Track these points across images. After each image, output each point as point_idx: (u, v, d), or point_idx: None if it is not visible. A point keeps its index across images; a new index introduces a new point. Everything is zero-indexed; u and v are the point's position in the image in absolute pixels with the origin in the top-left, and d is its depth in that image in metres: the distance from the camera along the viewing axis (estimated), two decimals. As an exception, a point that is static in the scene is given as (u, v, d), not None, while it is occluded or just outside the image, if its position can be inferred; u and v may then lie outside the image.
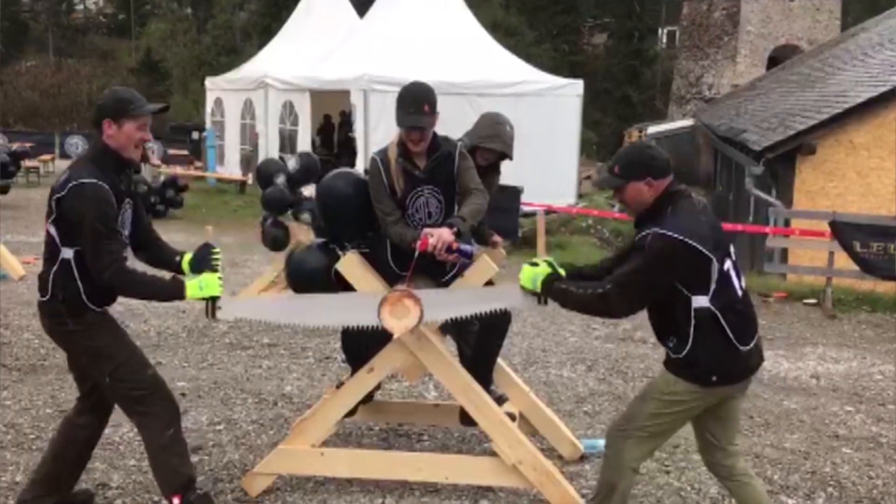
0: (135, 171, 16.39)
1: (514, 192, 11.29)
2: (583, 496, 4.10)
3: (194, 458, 4.54)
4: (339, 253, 4.11)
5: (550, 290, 3.49)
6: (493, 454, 4.08)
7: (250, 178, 18.36)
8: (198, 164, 22.95)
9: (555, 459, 4.51)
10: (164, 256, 3.83)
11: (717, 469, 3.55)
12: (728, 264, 3.27)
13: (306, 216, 7.17)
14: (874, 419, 5.72)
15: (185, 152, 24.85)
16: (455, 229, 3.85)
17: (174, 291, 3.57)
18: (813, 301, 9.54)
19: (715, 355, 3.24)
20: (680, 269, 3.18)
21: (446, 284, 4.07)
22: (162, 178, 17.14)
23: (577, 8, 44.68)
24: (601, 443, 3.97)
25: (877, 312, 9.20)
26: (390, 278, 4.05)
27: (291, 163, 7.45)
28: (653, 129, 27.39)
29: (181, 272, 3.74)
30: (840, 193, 12.57)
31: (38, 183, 19.51)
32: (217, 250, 3.72)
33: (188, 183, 17.85)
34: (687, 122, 25.74)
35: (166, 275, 3.74)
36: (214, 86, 22.80)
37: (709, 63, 27.96)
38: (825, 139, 12.62)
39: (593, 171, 21.08)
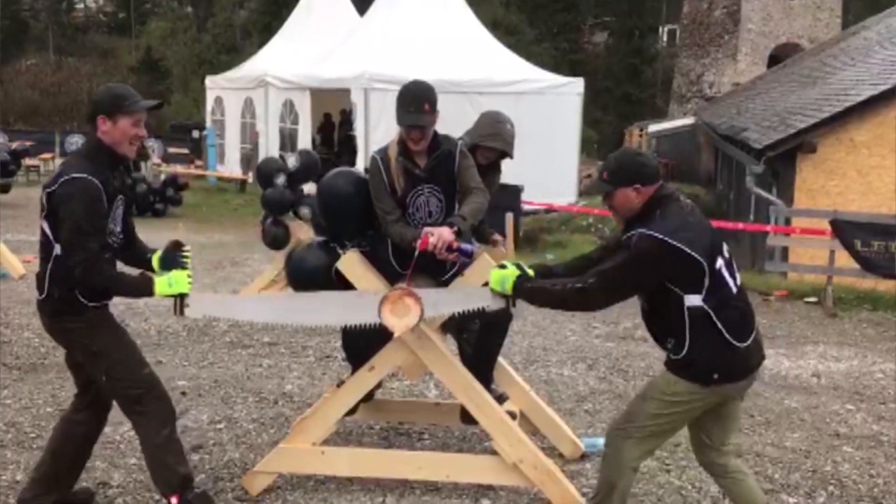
0: (135, 169, 16.39)
1: (515, 191, 11.31)
2: (583, 495, 4.10)
3: (195, 457, 4.56)
4: (340, 251, 4.11)
5: (521, 291, 3.54)
6: (494, 453, 4.08)
7: (250, 177, 18.38)
8: (198, 162, 22.97)
9: (555, 458, 4.50)
10: (136, 253, 3.82)
11: (711, 468, 3.57)
12: (720, 263, 3.28)
13: (306, 211, 7.18)
14: (875, 418, 5.72)
15: (186, 151, 24.86)
16: (455, 228, 3.85)
17: (143, 288, 3.56)
18: (814, 300, 9.53)
19: (713, 353, 3.25)
20: (665, 270, 3.22)
21: (446, 283, 4.07)
22: (162, 177, 17.15)
23: (577, 6, 44.66)
24: (602, 441, 3.96)
25: (877, 311, 9.19)
26: (391, 277, 4.05)
27: (291, 160, 7.45)
28: (653, 127, 27.37)
29: (152, 269, 3.74)
30: (841, 192, 12.55)
31: (38, 181, 19.49)
32: (187, 248, 3.73)
33: (188, 182, 17.86)
34: (688, 121, 25.71)
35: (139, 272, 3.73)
36: (215, 84, 22.81)
37: (709, 61, 27.91)
38: (826, 138, 12.61)
39: (594, 170, 21.05)
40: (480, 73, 16.60)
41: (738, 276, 3.39)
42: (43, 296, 3.59)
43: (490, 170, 4.54)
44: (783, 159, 12.81)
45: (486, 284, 4.02)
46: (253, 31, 39.85)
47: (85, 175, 3.43)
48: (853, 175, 12.62)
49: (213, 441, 4.89)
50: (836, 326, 8.56)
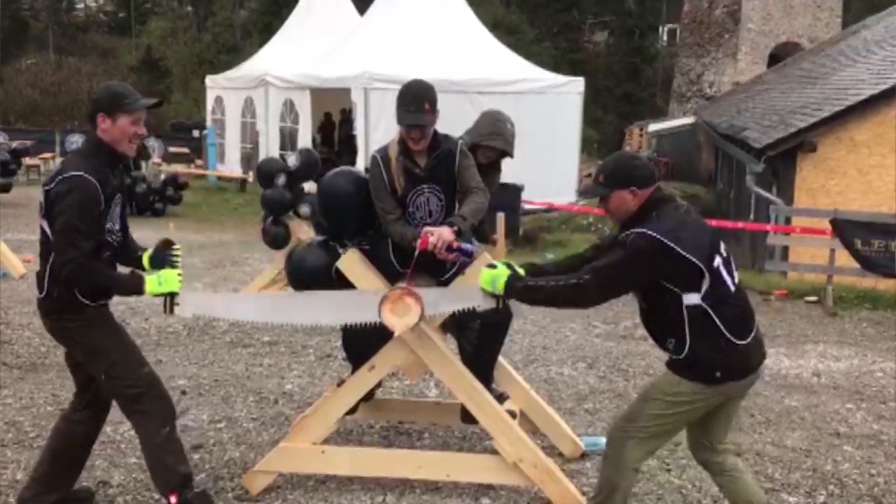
0: (135, 168, 16.37)
1: (515, 191, 11.32)
2: (583, 494, 4.10)
3: (195, 456, 4.56)
4: (340, 251, 4.11)
5: (512, 290, 3.54)
6: (494, 452, 4.09)
7: (251, 177, 18.38)
8: (198, 162, 22.97)
9: (555, 457, 4.51)
10: (127, 252, 3.82)
11: (708, 466, 3.59)
12: (718, 261, 3.29)
13: (306, 209, 7.18)
14: (875, 417, 5.72)
15: (186, 150, 24.85)
16: (455, 228, 3.85)
17: (133, 286, 3.57)
18: (814, 299, 9.53)
19: (714, 351, 3.26)
20: (660, 269, 3.23)
21: (446, 283, 4.07)
22: (162, 177, 17.14)
23: (577, 5, 44.63)
24: (602, 440, 3.97)
25: (878, 310, 9.20)
26: (391, 276, 4.05)
27: (292, 159, 7.45)
28: (654, 126, 27.35)
29: (142, 268, 3.74)
30: (841, 191, 12.55)
31: (38, 181, 19.45)
32: (177, 247, 3.73)
33: (189, 181, 17.86)
34: (688, 120, 25.69)
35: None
36: (215, 84, 22.81)
37: (710, 60, 27.89)
38: (826, 137, 12.60)
39: (594, 169, 21.07)
40: (480, 72, 16.60)
41: (736, 274, 3.40)
42: (43, 294, 3.59)
43: (490, 169, 4.54)
44: (783, 158, 12.81)
45: None
46: (253, 31, 39.84)
47: (82, 173, 3.43)
48: (853, 174, 12.61)
49: (213, 440, 4.89)
50: (837, 326, 8.56)
